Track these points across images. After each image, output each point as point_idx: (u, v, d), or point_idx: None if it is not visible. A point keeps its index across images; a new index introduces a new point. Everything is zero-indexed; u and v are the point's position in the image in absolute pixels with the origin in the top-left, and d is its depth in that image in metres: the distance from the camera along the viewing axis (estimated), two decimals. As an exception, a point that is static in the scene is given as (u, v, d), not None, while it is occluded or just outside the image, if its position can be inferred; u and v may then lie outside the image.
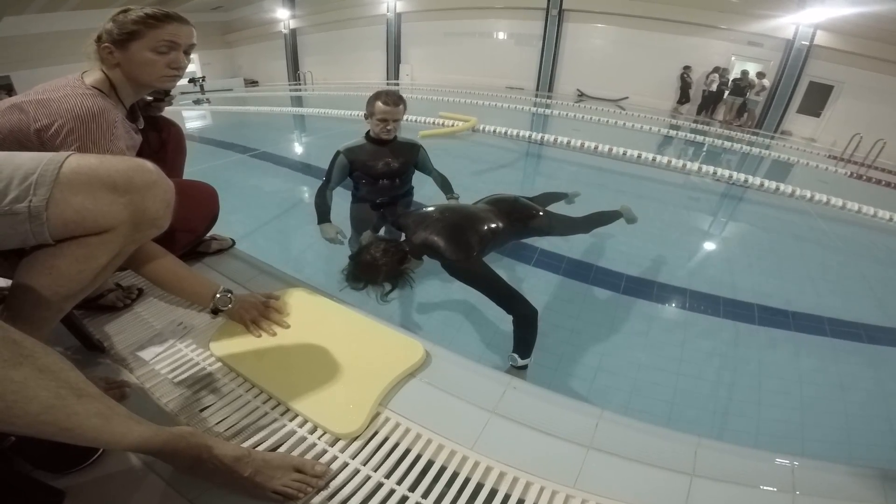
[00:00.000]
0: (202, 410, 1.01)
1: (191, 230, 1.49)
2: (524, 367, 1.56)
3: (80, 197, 0.79)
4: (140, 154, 1.19)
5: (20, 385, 0.57)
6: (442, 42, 14.39)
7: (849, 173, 6.82)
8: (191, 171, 1.75)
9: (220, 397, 1.05)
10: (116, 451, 0.88)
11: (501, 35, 13.65)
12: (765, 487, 0.89)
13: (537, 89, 13.20)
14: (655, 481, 0.90)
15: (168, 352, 1.19)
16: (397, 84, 14.64)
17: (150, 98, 1.40)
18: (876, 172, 7.06)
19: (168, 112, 1.62)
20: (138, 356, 1.17)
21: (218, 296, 1.16)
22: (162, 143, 1.55)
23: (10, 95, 1.30)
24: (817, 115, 10.30)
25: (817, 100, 10.23)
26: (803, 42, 9.82)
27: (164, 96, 1.45)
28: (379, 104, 2.14)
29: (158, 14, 1.13)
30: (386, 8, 14.56)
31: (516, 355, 1.55)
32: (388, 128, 2.19)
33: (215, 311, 1.18)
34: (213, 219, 1.58)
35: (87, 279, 0.87)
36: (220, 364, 1.15)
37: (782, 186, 4.84)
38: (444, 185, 2.45)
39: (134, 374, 1.11)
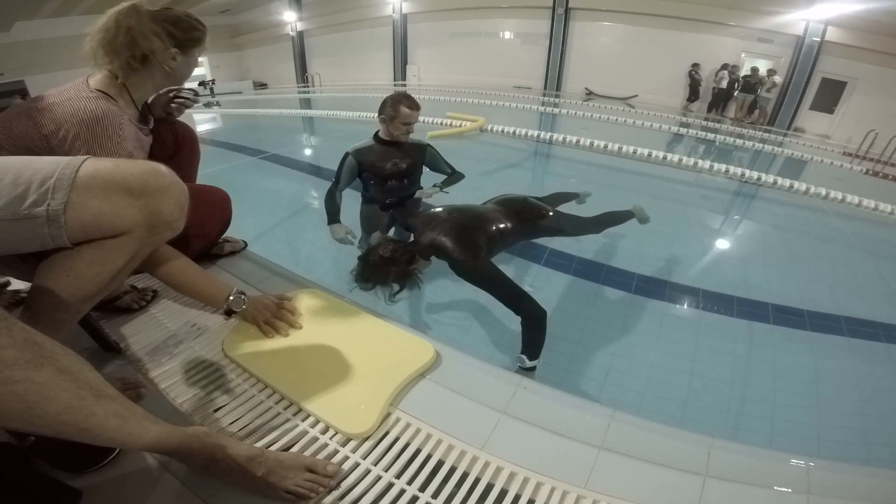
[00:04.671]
0: (216, 410, 1.02)
1: (204, 235, 1.51)
2: (532, 369, 1.55)
3: (96, 200, 0.81)
4: (156, 157, 1.21)
5: (41, 386, 0.58)
6: (448, 42, 14.39)
7: (864, 170, 6.69)
8: (202, 174, 1.77)
9: (234, 397, 1.06)
10: (132, 451, 0.90)
11: (508, 34, 13.61)
12: (779, 488, 0.88)
13: (545, 88, 13.15)
14: (668, 482, 0.89)
15: (182, 353, 1.20)
16: (405, 85, 14.67)
17: (183, 95, 1.43)
18: (892, 169, 6.93)
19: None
20: (153, 357, 1.18)
21: (231, 297, 1.18)
22: (177, 147, 1.57)
23: (25, 99, 1.34)
24: (831, 111, 10.13)
25: (830, 96, 10.05)
26: (814, 38, 9.67)
27: (188, 97, 1.46)
28: (404, 109, 2.16)
29: (200, 21, 1.22)
30: (392, 9, 14.59)
31: (525, 357, 1.55)
32: (411, 131, 2.24)
33: (229, 313, 1.20)
34: (226, 223, 1.60)
35: (104, 281, 0.88)
36: (233, 365, 1.16)
37: (796, 184, 4.77)
38: (447, 180, 2.46)
39: (149, 375, 1.12)
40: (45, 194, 0.77)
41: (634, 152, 5.46)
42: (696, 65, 11.06)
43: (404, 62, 15.33)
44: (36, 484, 0.78)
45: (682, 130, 7.99)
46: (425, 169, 2.48)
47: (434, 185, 2.44)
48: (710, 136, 7.88)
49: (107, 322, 1.30)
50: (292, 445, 0.95)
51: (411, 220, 1.83)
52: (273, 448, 0.93)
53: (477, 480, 0.89)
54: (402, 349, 1.19)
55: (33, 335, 0.59)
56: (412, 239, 1.77)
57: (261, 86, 18.07)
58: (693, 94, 11.35)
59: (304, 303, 1.33)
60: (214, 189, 1.60)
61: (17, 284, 1.36)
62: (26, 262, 0.89)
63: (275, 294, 1.33)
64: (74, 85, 1.09)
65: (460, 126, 6.42)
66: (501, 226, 1.82)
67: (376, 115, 2.28)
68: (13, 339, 0.56)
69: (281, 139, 7.15)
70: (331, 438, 0.96)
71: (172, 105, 1.44)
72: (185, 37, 1.15)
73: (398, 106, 2.17)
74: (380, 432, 0.98)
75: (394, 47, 15.18)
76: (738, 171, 5.19)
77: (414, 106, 2.19)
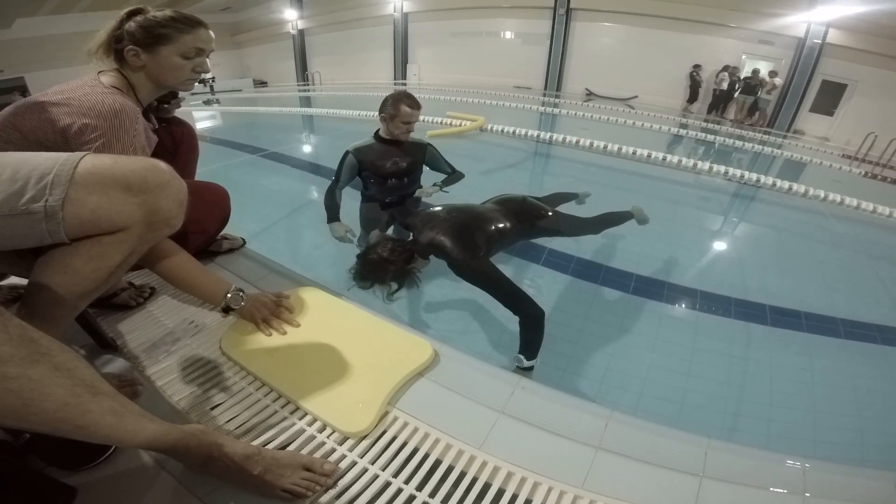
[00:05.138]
0: (213, 408, 1.02)
1: (202, 231, 1.51)
2: (530, 369, 1.55)
3: (94, 196, 0.80)
4: (155, 154, 1.21)
5: (37, 383, 0.57)
6: (449, 42, 14.37)
7: (863, 173, 6.70)
8: (202, 172, 1.77)
9: (231, 395, 1.06)
10: (128, 449, 0.89)
11: (509, 34, 13.60)
12: (775, 489, 0.88)
13: (545, 88, 13.14)
14: (665, 482, 0.89)
15: (180, 350, 1.20)
16: (405, 84, 14.66)
17: (154, 103, 1.41)
18: (891, 172, 6.94)
19: (178, 113, 1.64)
20: (150, 354, 1.18)
21: (230, 295, 1.18)
22: (176, 144, 1.57)
23: (25, 96, 1.32)
24: (830, 113, 10.14)
25: (830, 98, 10.06)
26: (815, 40, 9.68)
27: (170, 99, 1.46)
28: (404, 107, 2.16)
29: (188, 19, 1.15)
30: (393, 8, 14.58)
31: (522, 357, 1.55)
32: (412, 129, 2.24)
33: (227, 310, 1.19)
34: (224, 220, 1.60)
35: (101, 277, 0.88)
36: (230, 362, 1.16)
37: (795, 186, 4.78)
38: (447, 179, 2.46)
39: (146, 372, 1.12)
40: (43, 190, 0.76)
41: (634, 153, 5.46)
42: (697, 66, 11.06)
43: (405, 61, 15.31)
44: (31, 481, 0.77)
45: (682, 132, 7.99)
46: (425, 168, 2.48)
47: (434, 185, 2.44)
48: (710, 137, 7.88)
49: (104, 319, 1.30)
50: (289, 444, 0.95)
51: (410, 219, 1.83)
52: (270, 446, 0.93)
53: (474, 480, 0.89)
54: (400, 348, 1.19)
55: (29, 331, 0.59)
56: (411, 238, 1.77)
57: (261, 84, 18.05)
58: (693, 96, 11.35)
59: (303, 301, 1.33)
60: (213, 185, 1.59)
61: (15, 280, 1.36)
62: (24, 259, 0.89)
63: (273, 292, 1.32)
64: (87, 81, 1.08)
65: (460, 125, 6.42)
66: (500, 225, 1.81)
67: (377, 113, 2.28)
68: (9, 336, 0.56)
69: (281, 137, 7.15)
70: (328, 437, 0.96)
71: (161, 108, 1.44)
72: (145, 34, 1.10)
73: (399, 104, 2.17)
74: (377, 431, 0.98)
75: (394, 46, 15.16)
76: (738, 172, 5.20)
77: (414, 105, 2.19)
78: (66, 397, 0.60)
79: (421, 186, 2.49)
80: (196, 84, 1.27)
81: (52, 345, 0.62)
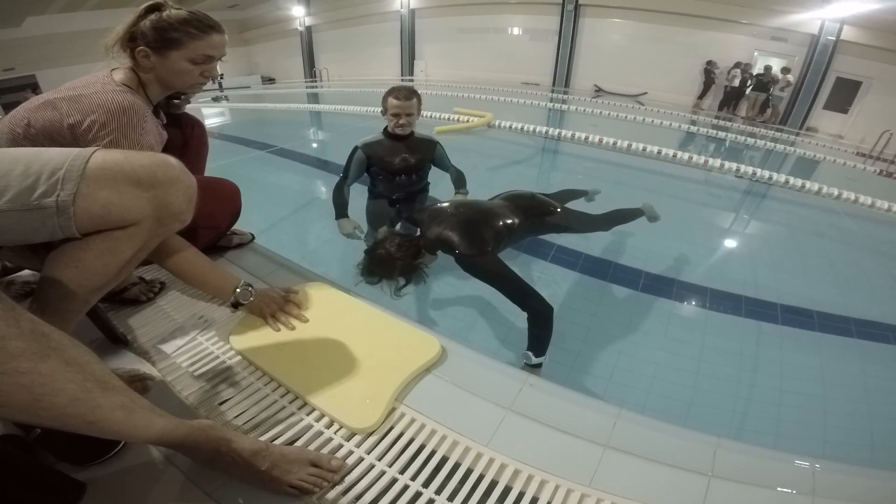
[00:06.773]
0: (221, 404, 1.03)
1: (213, 227, 1.52)
2: (538, 366, 1.54)
3: (105, 191, 0.81)
4: (165, 150, 1.21)
5: (48, 378, 0.58)
6: (456, 38, 14.32)
7: (878, 171, 6.60)
8: (211, 168, 1.78)
9: (240, 391, 1.06)
10: (138, 444, 0.90)
11: (516, 30, 13.53)
12: (783, 489, 0.87)
13: (553, 85, 13.07)
14: (673, 481, 0.88)
15: (189, 345, 1.21)
16: (412, 80, 14.62)
17: (164, 99, 1.42)
18: (906, 170, 6.83)
19: (188, 109, 1.64)
20: (160, 349, 1.19)
21: (239, 290, 1.18)
22: (185, 140, 1.57)
23: (37, 93, 1.32)
24: (845, 111, 9.99)
25: (845, 96, 9.91)
26: (829, 37, 9.52)
27: (180, 95, 1.47)
28: (391, 99, 2.16)
29: (200, 24, 1.13)
30: (399, 4, 14.55)
31: (530, 353, 1.54)
32: (402, 122, 2.20)
33: (236, 305, 1.20)
34: (235, 215, 1.61)
35: (112, 272, 0.89)
36: (239, 357, 1.16)
37: (808, 184, 4.71)
38: (458, 181, 2.44)
39: (156, 367, 1.13)
40: (54, 185, 0.77)
41: (644, 150, 5.41)
42: (711, 62, 10.93)
43: (412, 57, 15.29)
44: (41, 476, 0.78)
45: (693, 128, 7.91)
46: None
47: (458, 192, 2.38)
48: (721, 134, 7.79)
49: (114, 314, 1.31)
50: (297, 439, 0.95)
51: (418, 215, 1.83)
52: (278, 442, 0.93)
53: (481, 477, 0.89)
54: (408, 344, 1.19)
55: (41, 326, 0.60)
56: (418, 233, 1.76)
57: (269, 80, 18.11)
58: (705, 91, 11.23)
59: (311, 296, 1.33)
60: (224, 181, 1.60)
61: (28, 275, 1.37)
62: (36, 253, 0.90)
63: (281, 287, 1.33)
64: (99, 78, 1.08)
65: (468, 122, 6.40)
66: (509, 221, 1.81)
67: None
68: (20, 330, 0.56)
69: (289, 133, 7.17)
70: (335, 433, 0.96)
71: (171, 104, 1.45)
72: (156, 35, 1.09)
73: (387, 97, 2.18)
74: (384, 427, 0.98)
75: (401, 43, 15.14)
76: (749, 169, 5.13)
77: (402, 96, 2.16)
78: (76, 392, 0.61)
79: (428, 183, 2.48)
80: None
81: (64, 339, 0.62)
